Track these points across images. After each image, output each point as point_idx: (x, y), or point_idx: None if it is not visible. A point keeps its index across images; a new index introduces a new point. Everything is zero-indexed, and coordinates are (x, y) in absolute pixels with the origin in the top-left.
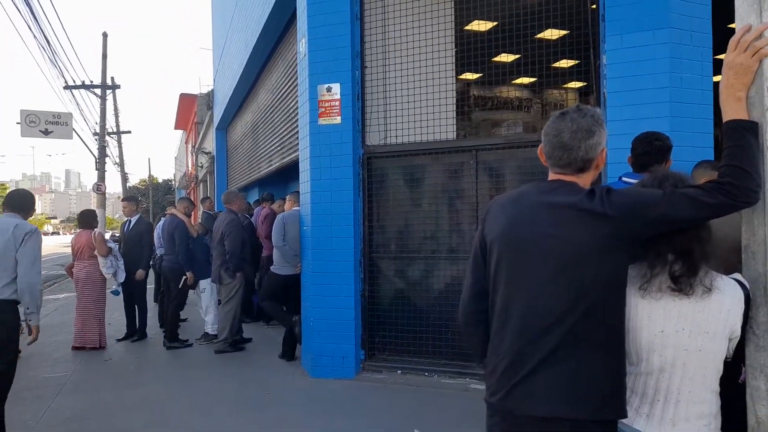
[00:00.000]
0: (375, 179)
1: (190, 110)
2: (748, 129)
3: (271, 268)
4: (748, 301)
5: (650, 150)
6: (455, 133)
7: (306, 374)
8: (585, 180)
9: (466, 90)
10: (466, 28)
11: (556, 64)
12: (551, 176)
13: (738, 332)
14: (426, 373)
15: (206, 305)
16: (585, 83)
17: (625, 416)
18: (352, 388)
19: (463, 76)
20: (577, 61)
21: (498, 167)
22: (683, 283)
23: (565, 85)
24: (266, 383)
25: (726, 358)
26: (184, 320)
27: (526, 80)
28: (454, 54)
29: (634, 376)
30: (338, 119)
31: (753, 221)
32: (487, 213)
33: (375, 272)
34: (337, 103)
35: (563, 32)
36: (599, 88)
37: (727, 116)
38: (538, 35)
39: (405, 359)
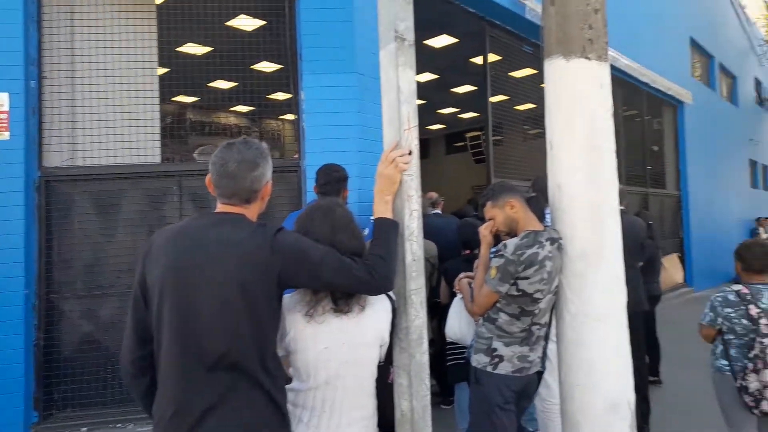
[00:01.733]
0: (56, 206)
1: None
2: (392, 227)
3: None
4: (394, 311)
5: (330, 180)
6: (160, 156)
7: None
8: (252, 212)
9: (179, 113)
10: (179, 49)
11: (271, 96)
12: (219, 207)
13: (387, 339)
14: (119, 425)
15: None
16: (296, 116)
17: None
18: None
19: (175, 99)
20: (290, 95)
21: (205, 194)
22: (342, 304)
23: (281, 117)
24: None
25: (379, 362)
26: None
27: (243, 109)
28: (158, 73)
29: (304, 392)
30: (6, 135)
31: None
32: (147, 249)
33: (54, 316)
34: (5, 115)
35: (278, 66)
36: (299, 122)
37: (376, 214)
38: (254, 66)
39: (93, 413)
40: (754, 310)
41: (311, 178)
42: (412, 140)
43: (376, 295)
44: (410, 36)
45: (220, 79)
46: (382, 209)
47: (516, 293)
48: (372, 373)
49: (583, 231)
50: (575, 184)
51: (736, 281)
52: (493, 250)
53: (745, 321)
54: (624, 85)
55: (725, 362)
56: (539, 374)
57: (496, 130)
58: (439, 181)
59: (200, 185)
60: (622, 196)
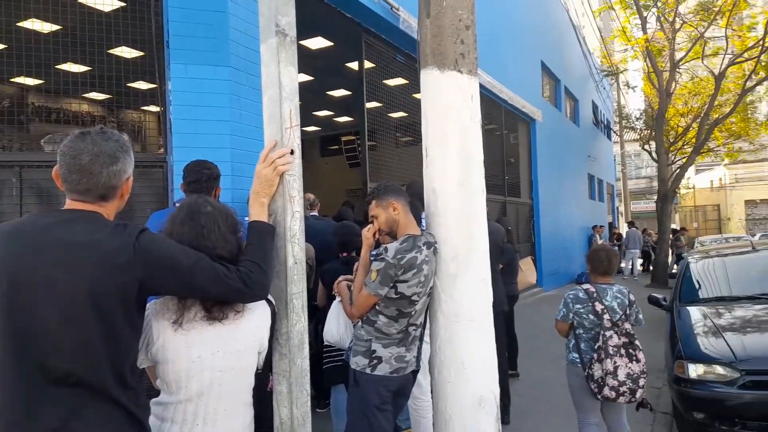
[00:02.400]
0: None
1: None
2: (268, 231)
3: None
4: (274, 315)
5: (200, 177)
6: None
7: None
8: (109, 210)
9: (19, 96)
10: (20, 24)
11: (132, 84)
12: (68, 204)
13: (266, 345)
14: None
15: None
16: (162, 107)
17: None
18: None
19: (15, 80)
20: (154, 85)
21: (51, 187)
22: (216, 311)
23: (144, 107)
24: None
25: (257, 369)
26: None
27: (99, 96)
28: None
29: (173, 405)
30: None
31: (276, 246)
32: None
33: None
34: None
35: (140, 52)
36: (166, 114)
37: (252, 217)
38: (112, 50)
39: None
40: (599, 307)
41: (179, 175)
42: (294, 139)
43: (251, 302)
44: (292, 32)
45: (71, 61)
46: (257, 211)
47: (395, 296)
48: (249, 382)
49: (456, 234)
50: (449, 190)
51: (578, 281)
52: (374, 253)
53: (592, 316)
54: (486, 101)
55: (576, 355)
56: (414, 373)
57: (371, 135)
58: (313, 184)
59: (45, 177)
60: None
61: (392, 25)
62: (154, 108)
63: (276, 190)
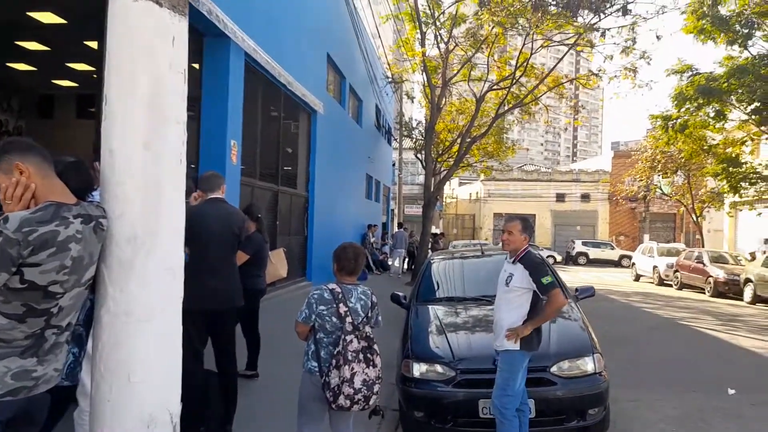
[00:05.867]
0: None
1: None
2: None
3: None
4: None
5: None
6: None
7: None
8: None
9: None
10: None
11: None
12: None
13: None
14: None
15: None
16: None
17: None
18: None
19: None
20: None
21: None
22: None
23: None
24: None
25: None
26: None
27: None
28: None
29: None
30: None
31: None
32: None
33: None
34: None
35: None
36: None
37: None
38: None
39: None
40: (342, 309)
41: None
42: None
43: None
44: None
45: None
46: None
47: (20, 285)
48: None
49: (135, 210)
50: (131, 151)
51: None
52: None
53: (335, 319)
54: (266, 84)
55: (315, 364)
56: (65, 388)
57: None
58: (66, 147)
59: None
60: (214, 182)
61: None
62: None
63: None
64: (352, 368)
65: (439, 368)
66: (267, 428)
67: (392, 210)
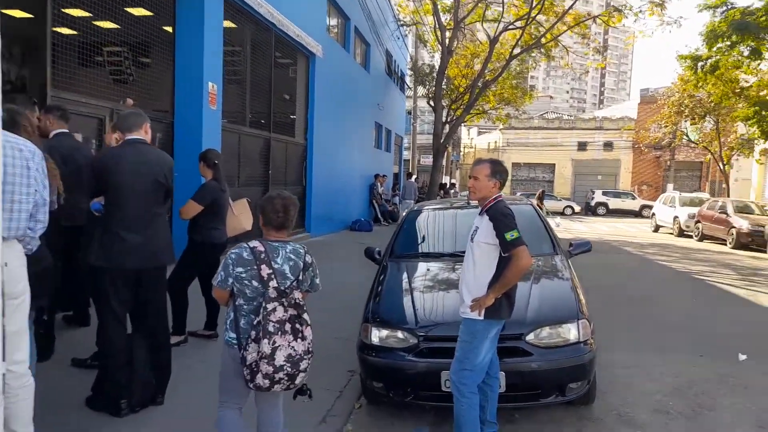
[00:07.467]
0: None
1: None
2: None
3: None
4: None
5: None
6: None
7: None
8: None
9: None
10: None
11: None
12: None
13: None
14: None
15: None
16: None
17: None
18: None
19: None
20: None
21: None
22: None
23: None
24: None
25: None
26: None
27: None
28: None
29: None
30: None
31: None
32: None
33: None
34: None
35: None
36: None
37: None
38: None
39: None
40: (265, 271)
41: None
42: None
43: None
44: None
45: None
46: None
47: None
48: None
49: None
50: None
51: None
52: None
53: (255, 283)
54: (254, 24)
55: (234, 335)
56: None
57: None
58: None
59: None
60: (132, 120)
61: None
62: None
63: None
64: (274, 342)
65: (400, 334)
66: (208, 398)
67: (406, 160)
